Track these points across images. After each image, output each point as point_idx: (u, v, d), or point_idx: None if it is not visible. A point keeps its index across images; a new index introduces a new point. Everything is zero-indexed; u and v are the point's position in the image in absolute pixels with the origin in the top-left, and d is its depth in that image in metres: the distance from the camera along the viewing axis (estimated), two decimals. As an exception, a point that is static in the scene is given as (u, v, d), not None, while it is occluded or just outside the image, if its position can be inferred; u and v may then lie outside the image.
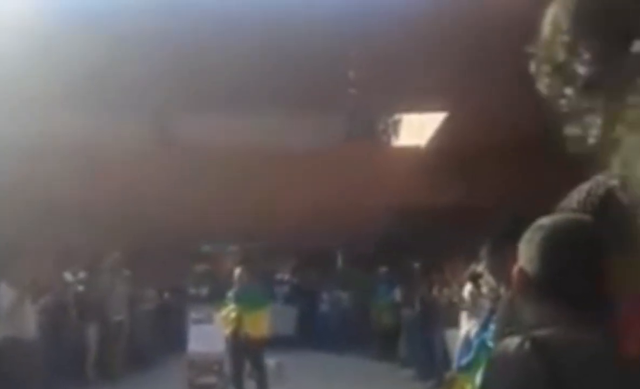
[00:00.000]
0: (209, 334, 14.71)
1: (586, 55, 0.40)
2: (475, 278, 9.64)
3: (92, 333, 15.56)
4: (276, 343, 14.81)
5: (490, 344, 6.32)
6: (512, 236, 2.06)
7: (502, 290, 7.29)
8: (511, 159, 11.36)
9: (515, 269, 2.04)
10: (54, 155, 12.64)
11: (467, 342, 8.98)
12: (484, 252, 8.35)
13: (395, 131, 13.37)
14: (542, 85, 0.43)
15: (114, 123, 12.71)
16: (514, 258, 2.01)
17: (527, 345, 1.73)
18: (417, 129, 12.89)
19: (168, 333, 19.68)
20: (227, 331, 13.25)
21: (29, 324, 10.85)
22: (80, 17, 8.80)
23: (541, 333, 1.84)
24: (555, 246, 1.81)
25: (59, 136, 12.37)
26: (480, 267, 8.51)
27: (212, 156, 13.49)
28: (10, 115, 12.06)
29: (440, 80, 10.02)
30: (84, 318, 15.24)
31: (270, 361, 14.23)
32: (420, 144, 13.26)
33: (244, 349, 13.12)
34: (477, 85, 9.64)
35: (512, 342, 1.79)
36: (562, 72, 0.42)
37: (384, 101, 11.70)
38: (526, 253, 1.97)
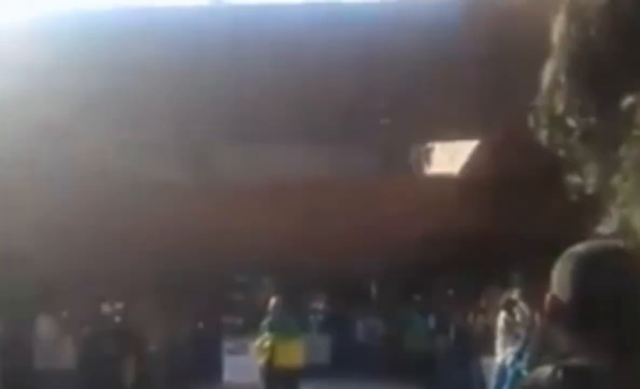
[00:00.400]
0: (244, 364, 14.69)
1: (582, 109, 0.44)
2: (509, 306, 9.58)
3: (129, 363, 15.65)
4: (311, 371, 14.74)
5: (525, 373, 6.28)
6: (545, 264, 2.05)
7: (537, 318, 7.28)
8: (544, 186, 11.31)
9: (547, 297, 2.02)
10: (92, 188, 12.82)
11: (503, 370, 8.95)
12: (517, 279, 8.35)
13: (428, 160, 13.40)
14: (542, 136, 0.47)
15: (153, 156, 12.90)
16: (547, 286, 2.02)
17: (559, 374, 1.71)
18: (450, 157, 12.90)
19: (204, 363, 19.71)
20: (261, 360, 13.22)
21: (67, 355, 10.97)
22: (120, 52, 8.98)
23: (574, 361, 1.80)
24: (587, 273, 1.79)
25: (97, 168, 12.56)
26: (514, 295, 8.48)
27: (248, 188, 13.60)
28: (50, 145, 12.29)
29: (471, 108, 10.05)
30: (121, 349, 15.33)
31: (306, 389, 14.17)
32: (452, 172, 13.25)
33: (279, 379, 13.07)
34: (509, 113, 9.64)
35: (545, 371, 1.75)
36: (560, 124, 0.45)
37: (416, 131, 11.74)
38: (558, 281, 1.94)
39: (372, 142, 12.92)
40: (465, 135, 11.97)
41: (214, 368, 16.71)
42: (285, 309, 13.50)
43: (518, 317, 8.66)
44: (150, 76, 9.35)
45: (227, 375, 15.07)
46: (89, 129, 10.77)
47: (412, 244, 17.02)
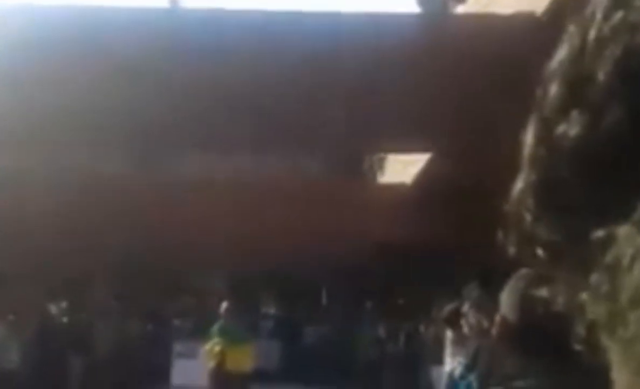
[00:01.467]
0: (193, 368, 14.65)
1: (549, 231, 0.45)
2: (451, 319, 9.64)
3: (76, 364, 15.47)
4: (260, 376, 14.76)
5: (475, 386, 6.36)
6: (499, 276, 2.07)
7: (484, 328, 7.37)
8: (496, 199, 11.46)
9: (497, 318, 2.04)
10: (41, 185, 12.67)
11: (452, 381, 9.04)
12: (469, 291, 8.43)
13: (381, 168, 13.49)
14: (511, 248, 0.48)
15: (105, 152, 12.79)
16: (496, 305, 2.04)
17: None
18: (403, 166, 13.02)
19: (152, 365, 19.57)
20: (211, 364, 13.22)
21: (12, 355, 10.82)
22: (78, 49, 8.89)
23: (520, 384, 1.83)
24: (536, 296, 1.84)
25: (46, 167, 12.42)
26: (464, 307, 8.55)
27: (198, 190, 13.56)
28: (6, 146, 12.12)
29: (425, 120, 10.14)
30: (68, 350, 15.15)
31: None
32: (405, 181, 13.37)
33: (228, 384, 13.08)
34: (463, 127, 9.76)
35: None
36: (527, 241, 0.47)
37: (370, 140, 11.82)
38: (508, 301, 1.97)
39: (327, 148, 12.99)
40: (419, 146, 12.09)
41: (162, 371, 16.59)
42: (236, 314, 13.54)
43: (465, 329, 8.74)
44: (109, 76, 9.27)
45: (176, 378, 14.98)
46: (43, 126, 10.63)
47: (364, 251, 17.13)
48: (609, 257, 0.50)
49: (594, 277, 0.50)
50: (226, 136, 11.59)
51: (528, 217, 0.54)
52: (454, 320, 9.40)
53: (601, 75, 0.50)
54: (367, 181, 13.48)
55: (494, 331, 2.11)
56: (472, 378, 5.68)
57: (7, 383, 10.53)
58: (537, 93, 0.56)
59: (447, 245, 13.87)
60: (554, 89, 0.53)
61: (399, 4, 27.06)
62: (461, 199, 12.00)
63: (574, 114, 0.51)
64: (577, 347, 0.54)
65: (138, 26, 8.91)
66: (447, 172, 11.37)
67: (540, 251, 0.55)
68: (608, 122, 0.49)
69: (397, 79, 8.82)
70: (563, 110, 0.52)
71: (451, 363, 10.17)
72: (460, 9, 11.69)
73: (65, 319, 15.58)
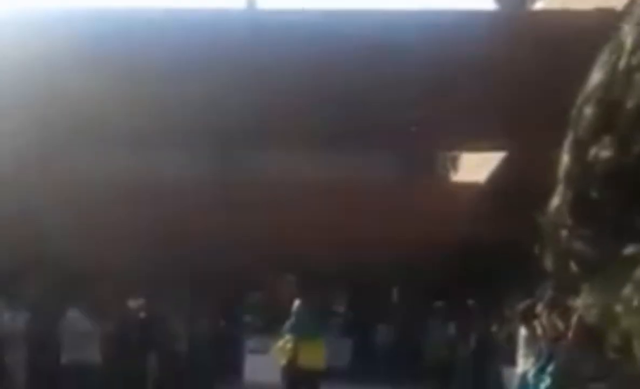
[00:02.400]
0: (265, 364, 14.78)
1: (585, 243, 0.47)
2: (526, 316, 9.48)
3: (152, 360, 15.78)
4: (331, 374, 14.80)
5: (543, 386, 6.26)
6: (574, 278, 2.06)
7: (560, 330, 7.26)
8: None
9: (574, 318, 2.05)
10: (117, 188, 12.97)
11: (525, 382, 8.92)
12: (542, 291, 8.28)
13: (454, 167, 13.41)
14: (547, 264, 0.50)
15: (175, 157, 13.03)
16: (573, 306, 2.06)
17: None
18: (477, 165, 12.91)
19: (225, 362, 19.82)
20: (283, 361, 13.30)
21: (94, 349, 11.13)
22: (147, 49, 9.08)
23: (599, 386, 1.82)
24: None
25: (123, 169, 12.71)
26: (539, 307, 8.40)
27: (270, 188, 13.68)
28: (77, 146, 12.45)
29: (501, 119, 10.06)
30: (145, 345, 15.46)
31: (326, 392, 14.21)
32: (479, 181, 13.26)
33: (300, 380, 13.16)
34: (539, 125, 9.64)
35: None
36: (565, 255, 0.49)
37: (443, 140, 11.76)
38: (587, 301, 1.98)
39: (400, 148, 12.97)
40: (493, 146, 11.97)
41: (235, 367, 16.81)
42: (308, 311, 13.58)
43: (539, 330, 8.61)
44: (175, 75, 9.44)
45: (248, 374, 15.17)
46: (111, 126, 10.89)
47: (437, 250, 17.04)
48: (639, 273, 0.53)
49: (626, 291, 0.53)
50: (298, 135, 11.69)
51: (564, 232, 0.57)
52: (528, 317, 9.25)
53: (630, 103, 0.53)
54: (440, 179, 13.42)
55: (571, 332, 2.12)
56: (547, 378, 5.59)
57: (88, 375, 10.84)
58: (572, 114, 0.59)
59: (520, 245, 13.69)
60: (587, 111, 0.56)
61: (476, 1, 26.63)
62: (535, 198, 11.84)
63: (606, 138, 0.54)
64: (612, 355, 0.57)
65: (217, 26, 9.06)
66: (521, 170, 11.24)
67: (574, 266, 0.58)
68: (636, 149, 0.53)
69: (472, 76, 8.77)
70: (596, 133, 0.55)
71: (524, 364, 10.02)
72: (538, 6, 11.54)
73: (142, 316, 15.90)
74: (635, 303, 0.54)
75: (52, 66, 8.80)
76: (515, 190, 12.04)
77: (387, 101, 9.88)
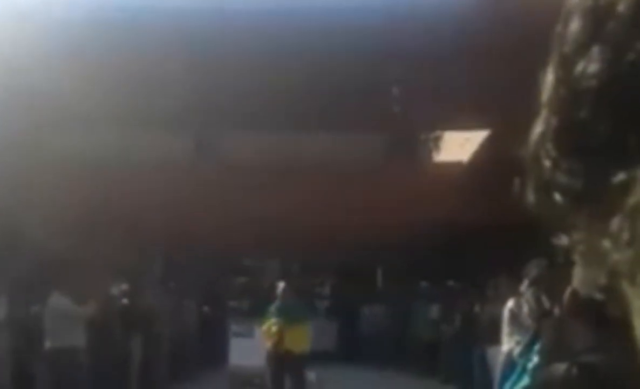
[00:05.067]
0: (250, 347, 14.76)
1: (569, 175, 0.43)
2: (537, 280, 9.07)
3: (135, 345, 15.73)
4: (316, 357, 14.82)
5: (530, 366, 6.28)
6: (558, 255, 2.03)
7: (546, 308, 7.28)
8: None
9: (567, 292, 2.01)
10: (99, 170, 12.89)
11: (510, 360, 8.95)
12: (528, 269, 8.27)
13: (437, 147, 13.39)
14: (530, 199, 0.46)
15: (156, 139, 12.95)
16: (561, 278, 2.01)
17: (574, 371, 1.71)
18: (459, 145, 12.90)
19: (209, 346, 19.81)
20: (268, 344, 13.28)
21: (78, 334, 11.06)
22: (125, 35, 9.00)
23: (590, 359, 1.79)
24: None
25: (105, 152, 12.62)
26: (523, 285, 8.41)
27: (254, 173, 13.63)
28: (58, 131, 12.36)
29: (482, 97, 10.05)
30: (128, 331, 15.41)
31: (311, 375, 14.25)
32: (462, 160, 13.25)
33: (285, 364, 13.15)
34: (520, 103, 9.63)
35: (559, 367, 1.74)
36: (547, 187, 0.45)
37: (426, 119, 11.74)
38: (580, 276, 1.94)
39: (381, 128, 12.93)
40: (476, 124, 11.97)
41: (220, 351, 16.79)
42: (293, 294, 13.57)
43: (525, 308, 8.64)
44: (158, 59, 9.37)
45: (233, 358, 15.13)
46: (94, 113, 10.82)
47: (419, 231, 17.07)
48: (630, 202, 0.48)
49: (615, 223, 0.48)
50: (280, 118, 11.64)
51: (547, 163, 0.52)
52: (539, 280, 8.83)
53: (622, 7, 0.48)
54: (423, 160, 13.40)
55: (564, 304, 2.09)
56: (534, 357, 5.59)
57: (72, 360, 10.79)
58: (555, 30, 0.54)
59: (503, 224, 13.73)
60: (573, 24, 0.51)
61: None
62: (519, 176, 11.85)
63: (594, 49, 0.49)
64: (598, 294, 0.54)
65: (199, 9, 8.97)
66: (505, 150, 11.23)
67: (559, 198, 0.52)
68: (630, 57, 0.47)
69: (453, 56, 8.76)
70: (583, 46, 0.49)
71: (508, 342, 10.05)
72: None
73: (125, 301, 15.85)
74: (624, 236, 0.49)
75: (31, 50, 8.72)
76: (498, 169, 12.05)
77: (369, 81, 9.85)
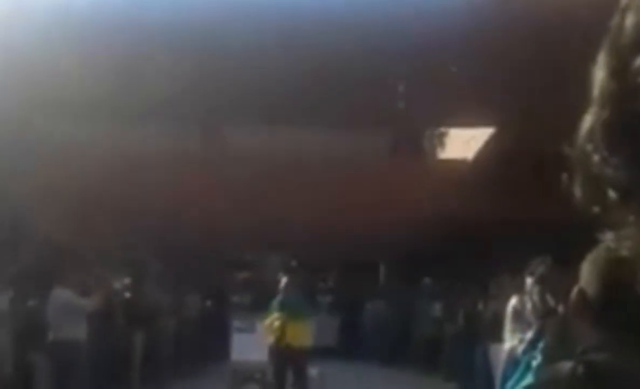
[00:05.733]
0: (252, 343, 14.73)
1: (619, 169, 0.42)
2: (543, 279, 9.05)
3: (138, 339, 15.74)
4: (319, 353, 14.80)
5: (534, 363, 6.24)
6: (563, 252, 2.00)
7: (550, 306, 7.25)
8: (560, 174, 11.24)
9: (574, 290, 1.98)
10: (102, 163, 12.88)
11: (513, 358, 8.92)
12: (533, 267, 8.22)
13: (442, 144, 13.37)
14: (577, 194, 0.45)
15: (160, 133, 12.94)
16: (567, 276, 1.98)
17: (580, 370, 1.67)
18: (464, 143, 12.88)
19: (211, 341, 19.81)
20: (270, 340, 13.25)
21: (81, 327, 11.06)
22: (132, 26, 8.98)
23: (596, 357, 1.75)
24: (617, 268, 1.77)
25: (106, 145, 12.61)
26: (528, 283, 8.36)
27: (257, 167, 13.62)
28: (61, 123, 12.34)
29: (488, 96, 10.02)
30: (130, 325, 15.42)
31: (313, 370, 14.21)
32: (467, 158, 13.23)
33: (287, 359, 13.12)
34: (525, 102, 9.61)
35: (564, 365, 1.70)
36: (596, 182, 0.43)
37: (431, 115, 11.71)
38: (587, 274, 1.91)
39: (386, 125, 12.91)
40: (480, 122, 11.94)
41: (222, 346, 16.77)
42: (295, 290, 13.52)
43: (528, 305, 8.59)
44: (166, 49, 9.35)
45: (235, 353, 15.10)
46: (98, 103, 10.81)
47: (423, 227, 17.03)
48: None
49: None
50: (284, 113, 11.62)
51: (596, 157, 0.51)
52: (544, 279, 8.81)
53: None
54: (427, 157, 13.38)
55: (570, 303, 2.05)
56: (538, 356, 5.54)
57: (74, 354, 10.79)
58: (611, 24, 0.52)
59: (506, 221, 13.72)
60: (630, 19, 0.49)
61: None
62: (522, 175, 11.84)
63: None
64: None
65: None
66: (509, 148, 11.23)
67: (609, 193, 0.51)
68: None
69: (459, 53, 8.73)
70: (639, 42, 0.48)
71: (510, 340, 10.02)
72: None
73: (128, 295, 15.85)
74: None
75: (30, 39, 8.70)
76: (502, 167, 12.04)
77: (374, 78, 9.83)
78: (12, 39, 8.67)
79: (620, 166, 0.49)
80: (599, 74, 0.52)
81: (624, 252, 0.52)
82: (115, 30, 8.97)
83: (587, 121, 0.53)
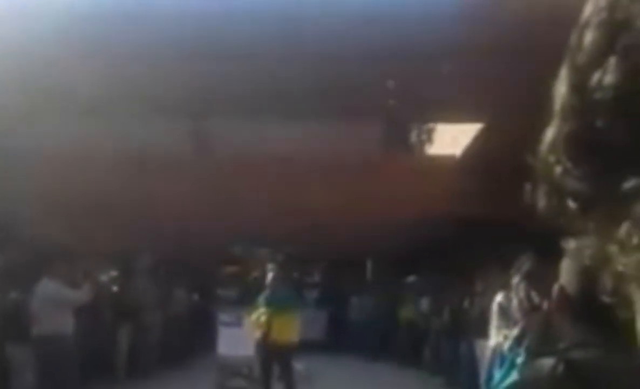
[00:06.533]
0: (239, 337, 14.73)
1: (580, 180, 0.44)
2: (530, 276, 9.07)
3: (124, 332, 15.74)
4: (306, 347, 14.81)
5: (519, 361, 6.27)
6: (549, 248, 2.02)
7: (535, 303, 7.29)
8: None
9: (555, 287, 2.00)
10: (91, 159, 12.84)
11: (498, 355, 8.96)
12: (519, 263, 8.25)
13: (430, 141, 13.39)
14: (541, 204, 0.47)
15: (148, 128, 12.91)
16: (552, 273, 2.00)
17: (561, 367, 1.69)
18: (452, 139, 12.91)
19: (198, 335, 19.82)
20: (257, 334, 13.24)
21: (67, 320, 11.02)
22: (119, 22, 8.95)
23: (576, 355, 1.77)
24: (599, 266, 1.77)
25: (96, 141, 12.58)
26: (515, 279, 8.39)
27: (245, 162, 13.60)
28: (50, 118, 12.30)
29: (476, 92, 10.04)
30: (117, 318, 15.42)
31: (299, 365, 14.23)
32: (454, 154, 13.26)
33: (273, 353, 13.12)
34: (513, 98, 9.64)
35: (545, 364, 1.72)
36: (559, 192, 0.45)
37: (421, 111, 11.73)
38: (568, 272, 1.93)
39: (374, 120, 12.92)
40: (469, 118, 11.97)
41: (208, 340, 16.78)
42: (282, 284, 13.52)
43: (514, 302, 8.63)
44: (150, 49, 9.33)
45: (222, 348, 15.10)
46: (86, 101, 10.78)
47: (410, 223, 17.07)
48: (639, 209, 0.49)
49: (624, 229, 0.49)
50: (273, 109, 11.61)
51: (558, 168, 0.53)
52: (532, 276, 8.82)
53: (639, 22, 0.48)
54: (414, 153, 13.40)
55: (553, 301, 2.08)
56: (522, 353, 5.55)
57: (59, 348, 10.74)
58: (570, 41, 0.54)
59: (493, 218, 13.76)
60: (588, 36, 0.51)
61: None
62: (511, 170, 11.86)
63: (611, 61, 0.49)
64: (605, 299, 0.54)
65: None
66: (498, 144, 11.25)
67: (570, 203, 0.54)
68: None
69: (448, 47, 8.74)
70: (599, 57, 0.50)
71: (496, 336, 10.06)
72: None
73: (114, 289, 15.85)
74: (633, 241, 0.50)
75: (24, 35, 8.67)
76: (490, 164, 12.07)
77: (362, 74, 9.84)
78: (8, 32, 8.64)
79: (582, 178, 0.52)
80: (561, 88, 0.54)
81: (585, 261, 0.55)
82: (105, 27, 8.94)
83: (550, 133, 0.55)
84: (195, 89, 10.70)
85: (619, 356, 1.72)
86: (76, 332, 11.27)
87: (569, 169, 0.53)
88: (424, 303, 19.61)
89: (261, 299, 13.28)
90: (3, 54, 8.83)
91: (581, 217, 0.54)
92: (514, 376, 4.51)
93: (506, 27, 8.23)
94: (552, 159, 0.54)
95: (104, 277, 15.33)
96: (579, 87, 0.52)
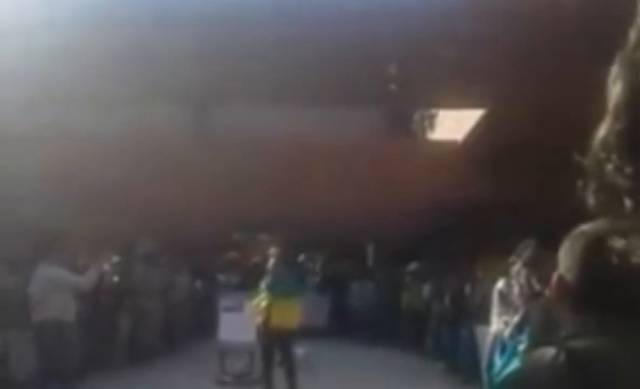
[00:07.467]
0: (240, 322, 14.72)
1: (632, 177, 0.42)
2: (532, 262, 9.07)
3: (125, 319, 15.73)
4: (307, 332, 14.81)
5: (521, 348, 6.25)
6: (551, 235, 1.99)
7: (536, 290, 7.27)
8: (550, 157, 11.27)
9: (554, 277, 1.97)
10: (90, 144, 12.82)
11: (498, 341, 8.95)
12: (521, 249, 8.24)
13: (432, 125, 13.35)
14: (590, 201, 0.45)
15: (150, 113, 12.88)
16: (554, 263, 1.97)
17: (562, 357, 1.66)
18: (455, 123, 12.87)
19: (199, 321, 19.83)
20: (258, 319, 13.24)
21: (69, 307, 10.97)
22: (123, 6, 8.91)
23: (578, 344, 1.74)
24: (596, 254, 1.75)
25: (97, 126, 12.55)
26: (516, 266, 8.38)
27: (246, 148, 13.57)
28: (51, 107, 12.27)
29: (479, 76, 9.99)
30: (117, 305, 15.41)
31: (299, 350, 14.22)
32: (457, 139, 13.21)
33: (274, 339, 13.11)
34: (517, 83, 9.59)
35: (546, 353, 1.69)
36: (610, 190, 0.43)
37: (423, 96, 11.68)
38: (566, 261, 1.90)
39: (376, 105, 12.88)
40: (472, 103, 11.91)
41: (209, 326, 16.79)
42: (284, 269, 13.48)
43: (515, 289, 8.63)
44: (151, 31, 9.28)
45: (223, 333, 15.10)
46: (85, 86, 10.74)
47: (412, 209, 17.04)
48: None
49: None
50: (273, 92, 11.57)
51: (609, 166, 0.51)
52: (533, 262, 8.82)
53: None
54: (416, 138, 13.35)
55: (552, 289, 2.02)
56: (524, 340, 5.53)
57: (64, 332, 10.71)
58: (625, 39, 0.51)
59: (495, 204, 13.74)
60: None
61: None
62: (513, 156, 11.83)
63: None
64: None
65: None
66: (499, 129, 11.22)
67: (627, 201, 0.51)
68: None
69: (450, 32, 8.69)
70: None
71: (497, 323, 10.06)
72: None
73: (115, 276, 15.83)
74: None
75: (20, 18, 8.62)
76: (492, 149, 12.03)
77: (364, 57, 9.79)
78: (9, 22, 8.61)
79: (634, 176, 0.49)
80: (615, 87, 0.52)
81: (636, 260, 0.52)
82: (106, 10, 8.90)
83: (602, 130, 0.53)
84: (197, 75, 10.66)
85: (622, 347, 1.69)
86: (76, 319, 11.24)
87: (620, 167, 0.50)
88: (425, 289, 19.60)
89: (262, 284, 13.27)
90: (4, 45, 8.81)
91: (630, 216, 0.51)
92: (515, 364, 4.49)
93: (509, 13, 8.18)
94: (602, 155, 0.52)
95: (105, 264, 15.30)
96: (634, 85, 0.49)
